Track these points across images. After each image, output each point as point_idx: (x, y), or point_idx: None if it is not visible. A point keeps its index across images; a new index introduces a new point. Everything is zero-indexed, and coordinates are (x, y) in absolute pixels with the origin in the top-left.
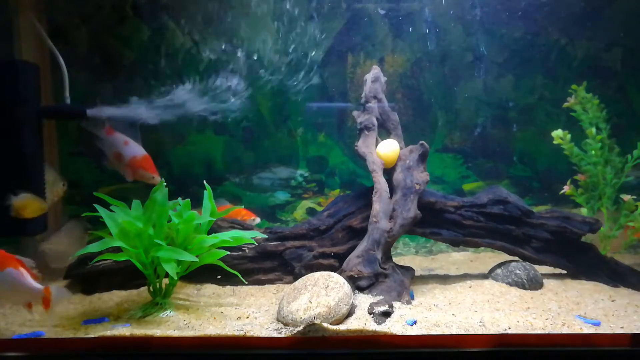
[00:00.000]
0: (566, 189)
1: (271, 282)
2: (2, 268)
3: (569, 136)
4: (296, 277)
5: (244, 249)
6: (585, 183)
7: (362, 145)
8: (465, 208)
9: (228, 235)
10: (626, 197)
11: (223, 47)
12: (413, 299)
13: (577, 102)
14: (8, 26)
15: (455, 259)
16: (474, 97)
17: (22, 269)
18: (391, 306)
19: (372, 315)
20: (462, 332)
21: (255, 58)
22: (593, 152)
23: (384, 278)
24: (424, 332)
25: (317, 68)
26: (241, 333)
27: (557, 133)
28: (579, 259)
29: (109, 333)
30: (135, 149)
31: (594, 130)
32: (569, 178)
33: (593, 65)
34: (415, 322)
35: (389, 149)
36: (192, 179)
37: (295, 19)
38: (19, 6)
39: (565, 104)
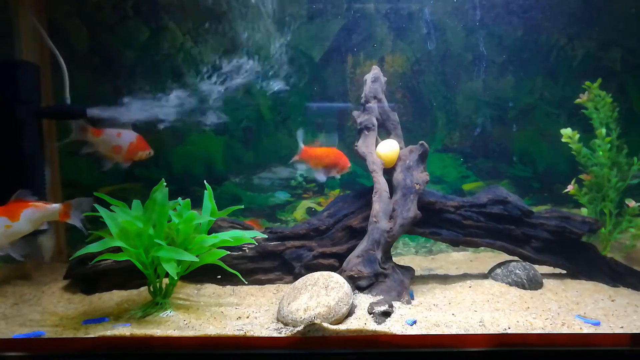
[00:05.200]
0: (570, 188)
1: (271, 282)
2: (19, 215)
3: (577, 136)
4: (296, 277)
5: (244, 248)
6: (590, 183)
7: (362, 145)
8: (465, 208)
9: (228, 235)
10: (631, 203)
11: (223, 47)
12: (413, 298)
13: (589, 100)
14: (8, 26)
15: (455, 259)
16: (474, 97)
17: (33, 203)
18: (391, 306)
19: (372, 315)
20: (462, 332)
21: (255, 58)
22: (601, 152)
23: (383, 278)
24: (424, 332)
25: (316, 68)
26: (241, 333)
27: (566, 132)
28: (579, 259)
29: (109, 333)
30: (129, 135)
31: (603, 130)
32: (573, 177)
33: (593, 64)
34: (415, 322)
35: (388, 149)
36: (192, 179)
37: (295, 19)
38: (19, 6)
39: (578, 100)
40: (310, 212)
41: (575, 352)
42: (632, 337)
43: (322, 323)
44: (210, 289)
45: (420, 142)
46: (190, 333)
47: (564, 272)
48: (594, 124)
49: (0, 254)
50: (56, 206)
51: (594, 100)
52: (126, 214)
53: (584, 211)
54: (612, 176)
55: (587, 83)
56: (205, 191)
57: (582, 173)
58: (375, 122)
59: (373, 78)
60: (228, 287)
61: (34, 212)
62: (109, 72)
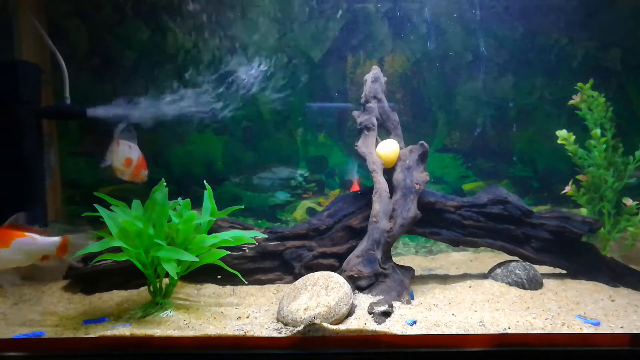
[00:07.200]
0: (568, 189)
1: (271, 282)
2: (9, 242)
3: (573, 137)
4: (296, 277)
5: (244, 248)
6: (587, 184)
7: (362, 146)
8: (465, 208)
9: (228, 235)
10: (628, 202)
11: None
12: (413, 298)
13: (582, 101)
14: (8, 26)
15: (455, 259)
16: (474, 97)
17: (29, 234)
18: (391, 306)
19: (372, 315)
20: (462, 332)
21: (255, 58)
22: (597, 153)
23: (383, 278)
24: (424, 332)
25: (316, 68)
26: (241, 333)
27: (562, 133)
28: (579, 259)
29: (109, 333)
30: (137, 150)
31: (598, 131)
32: (571, 178)
33: (593, 65)
34: (415, 322)
35: (389, 149)
36: (192, 179)
37: (295, 19)
38: (19, 6)
39: (571, 102)
40: (310, 212)
41: (575, 352)
42: (632, 337)
43: (322, 323)
44: (210, 289)
45: (420, 142)
46: (190, 333)
47: (564, 272)
48: (588, 125)
49: None
50: (55, 240)
51: (587, 101)
52: (126, 214)
53: (583, 211)
54: (608, 176)
55: (580, 84)
56: (205, 191)
57: (580, 174)
58: (375, 122)
59: (373, 78)
60: (228, 287)
61: (27, 244)
62: (109, 72)
